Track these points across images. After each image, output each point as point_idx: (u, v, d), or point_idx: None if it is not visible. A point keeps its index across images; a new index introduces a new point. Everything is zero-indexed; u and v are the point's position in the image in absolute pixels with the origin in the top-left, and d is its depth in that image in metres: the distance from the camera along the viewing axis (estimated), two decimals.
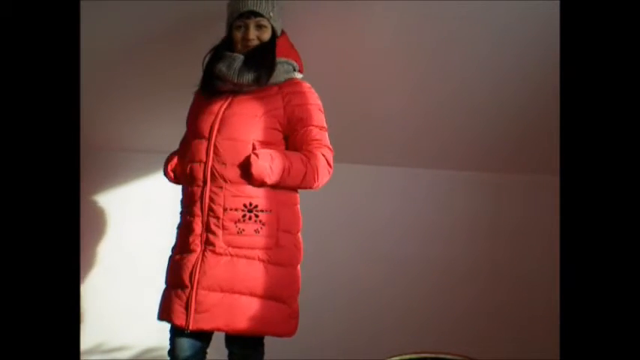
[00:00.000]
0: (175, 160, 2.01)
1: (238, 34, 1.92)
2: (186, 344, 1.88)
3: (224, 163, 1.83)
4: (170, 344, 1.92)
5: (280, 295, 1.84)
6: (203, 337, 1.90)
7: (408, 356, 1.94)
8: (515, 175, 2.71)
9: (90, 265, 2.76)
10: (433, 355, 1.94)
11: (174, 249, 1.96)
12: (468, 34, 2.21)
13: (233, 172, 1.83)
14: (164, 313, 1.88)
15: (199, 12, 2.18)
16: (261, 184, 1.83)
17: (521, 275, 2.68)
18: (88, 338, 2.71)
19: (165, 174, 2.04)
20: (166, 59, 2.37)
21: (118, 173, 2.82)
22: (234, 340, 1.91)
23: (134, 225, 2.80)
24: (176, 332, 1.88)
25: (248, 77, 1.86)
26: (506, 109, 2.45)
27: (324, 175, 1.92)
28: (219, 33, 2.01)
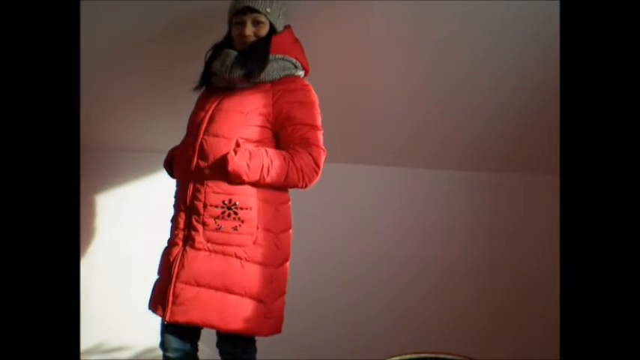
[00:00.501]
0: (170, 155, 2.06)
1: (236, 31, 1.93)
2: (171, 337, 1.93)
3: (207, 159, 1.85)
4: (160, 336, 1.97)
5: (256, 294, 1.84)
6: (190, 331, 1.93)
7: (408, 356, 1.94)
8: (515, 175, 2.70)
9: (89, 265, 2.76)
10: (433, 355, 1.94)
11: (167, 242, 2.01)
12: (467, 33, 2.20)
13: (214, 169, 1.84)
14: (151, 305, 1.95)
15: (198, 11, 2.18)
16: (239, 181, 1.83)
17: (521, 275, 2.67)
18: (88, 338, 2.71)
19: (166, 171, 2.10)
20: (164, 59, 2.37)
21: (116, 173, 2.82)
22: (223, 339, 1.93)
23: (133, 224, 2.80)
24: (165, 325, 1.93)
25: (239, 73, 1.87)
26: (506, 109, 2.45)
27: (310, 175, 1.87)
28: (217, 32, 2.01)
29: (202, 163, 1.85)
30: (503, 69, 2.30)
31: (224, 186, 1.84)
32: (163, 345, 1.96)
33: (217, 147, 1.85)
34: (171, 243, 1.92)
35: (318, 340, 2.48)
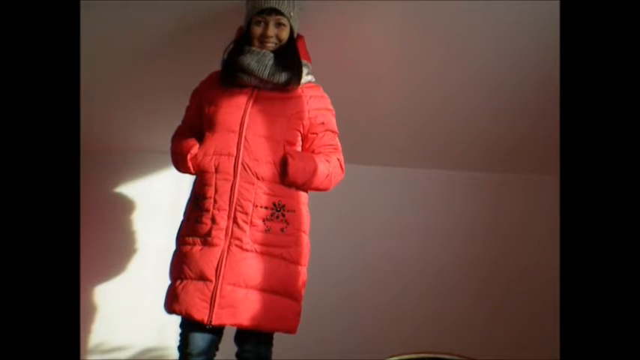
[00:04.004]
0: (196, 149, 1.91)
1: (258, 30, 1.92)
2: (201, 339, 1.85)
3: (257, 160, 1.85)
4: (181, 338, 1.88)
5: (295, 293, 1.88)
6: (218, 331, 1.88)
7: (407, 356, 1.94)
8: (515, 175, 2.71)
9: (90, 265, 2.76)
10: (432, 355, 1.94)
11: (181, 239, 1.90)
12: (468, 35, 2.21)
13: (266, 170, 1.85)
14: (178, 306, 1.82)
15: (202, 14, 2.17)
16: (292, 184, 1.87)
17: (520, 275, 2.68)
18: (88, 338, 2.71)
19: (182, 165, 1.95)
20: (166, 60, 2.36)
21: (118, 174, 2.82)
22: (247, 337, 1.89)
23: (134, 225, 2.80)
24: (191, 326, 1.84)
25: (279, 77, 1.88)
26: (506, 110, 2.46)
27: (337, 180, 1.98)
28: (220, 34, 2.01)
29: (252, 163, 1.85)
30: (504, 70, 2.31)
31: (274, 187, 1.86)
32: (186, 347, 1.86)
33: (266, 148, 1.86)
34: (208, 242, 1.83)
35: (317, 339, 2.48)
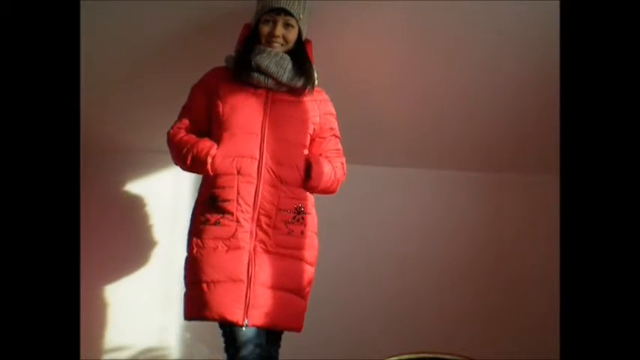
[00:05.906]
0: (215, 151, 1.85)
1: (265, 28, 1.92)
2: (245, 334, 1.79)
3: (280, 164, 1.87)
4: (226, 337, 1.83)
5: (305, 292, 1.91)
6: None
7: (407, 356, 1.95)
8: (516, 176, 2.71)
9: (90, 264, 2.76)
10: (432, 355, 1.95)
11: (199, 242, 1.84)
12: (471, 38, 2.21)
13: (290, 174, 1.88)
14: (209, 312, 1.77)
15: (204, 14, 2.17)
16: (312, 188, 1.91)
17: (521, 275, 2.68)
18: (88, 338, 2.71)
19: (199, 166, 1.88)
20: (171, 60, 2.36)
21: (120, 174, 2.81)
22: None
23: (135, 225, 2.80)
24: (233, 327, 1.79)
25: (297, 82, 1.91)
26: (507, 110, 2.46)
27: (341, 183, 2.03)
28: (222, 35, 2.01)
29: (276, 167, 1.86)
30: (504, 70, 2.31)
31: (296, 191, 1.89)
32: (234, 342, 1.80)
33: (288, 152, 1.89)
34: (232, 245, 1.82)
35: (317, 338, 2.47)
